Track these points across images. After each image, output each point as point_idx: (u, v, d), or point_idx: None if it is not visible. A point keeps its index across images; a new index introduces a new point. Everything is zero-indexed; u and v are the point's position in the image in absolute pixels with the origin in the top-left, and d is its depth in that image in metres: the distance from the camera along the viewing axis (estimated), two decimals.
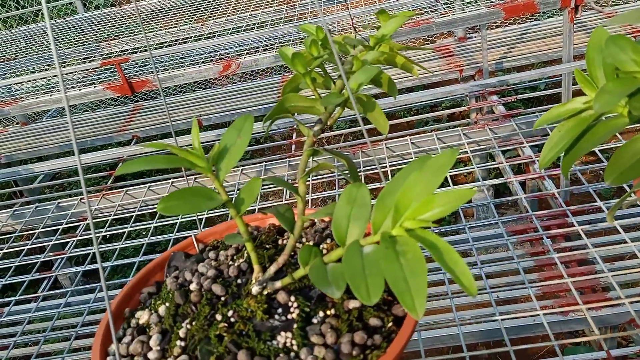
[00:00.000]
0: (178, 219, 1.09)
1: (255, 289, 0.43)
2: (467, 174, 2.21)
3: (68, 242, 1.15)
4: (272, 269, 0.44)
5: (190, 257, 0.51)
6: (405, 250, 0.33)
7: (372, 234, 0.36)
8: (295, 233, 0.44)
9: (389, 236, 0.34)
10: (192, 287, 0.45)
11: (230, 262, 0.48)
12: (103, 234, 1.12)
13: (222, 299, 0.44)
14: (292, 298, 0.42)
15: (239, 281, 0.45)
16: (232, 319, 0.42)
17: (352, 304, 0.41)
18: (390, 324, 0.40)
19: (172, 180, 1.24)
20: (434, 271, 0.87)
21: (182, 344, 0.41)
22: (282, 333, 0.40)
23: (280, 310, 0.42)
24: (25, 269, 1.17)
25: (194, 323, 0.42)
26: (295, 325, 0.40)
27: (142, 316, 0.45)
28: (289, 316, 0.41)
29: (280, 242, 0.50)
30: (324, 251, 0.48)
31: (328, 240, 0.48)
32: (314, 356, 0.38)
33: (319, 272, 0.37)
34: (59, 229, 1.18)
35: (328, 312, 0.41)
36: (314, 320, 0.41)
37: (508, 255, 0.89)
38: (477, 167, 1.02)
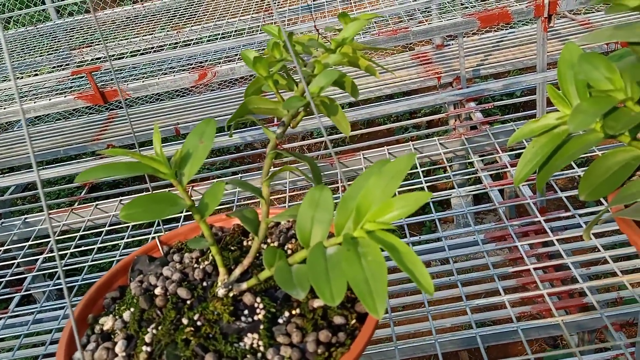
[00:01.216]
0: (152, 231, 1.07)
1: (221, 292, 0.43)
2: (446, 181, 2.23)
3: (38, 257, 1.12)
4: (237, 271, 0.44)
5: (155, 261, 0.51)
6: (367, 252, 0.34)
7: (335, 236, 0.37)
8: (259, 235, 0.44)
9: (350, 238, 0.36)
10: (157, 291, 0.45)
11: (195, 265, 0.48)
12: (72, 250, 1.09)
13: (188, 302, 0.44)
14: (258, 299, 0.43)
15: (204, 284, 0.45)
16: (198, 323, 0.42)
17: (317, 303, 0.42)
18: (353, 321, 0.42)
19: (145, 193, 1.21)
20: (410, 281, 0.87)
21: (148, 349, 0.41)
22: (249, 334, 0.41)
23: (246, 311, 0.42)
24: None
25: (159, 328, 0.42)
26: (261, 326, 0.41)
27: (107, 322, 0.45)
28: (255, 317, 0.42)
29: (245, 243, 0.50)
30: (289, 251, 0.48)
31: (293, 241, 0.49)
32: (281, 356, 0.39)
33: (283, 273, 0.37)
34: (26, 244, 1.15)
35: (293, 312, 0.42)
36: (280, 321, 0.42)
37: (484, 263, 0.90)
38: (453, 176, 1.03)
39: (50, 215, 1.19)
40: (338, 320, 0.41)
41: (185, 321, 0.42)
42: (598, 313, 0.80)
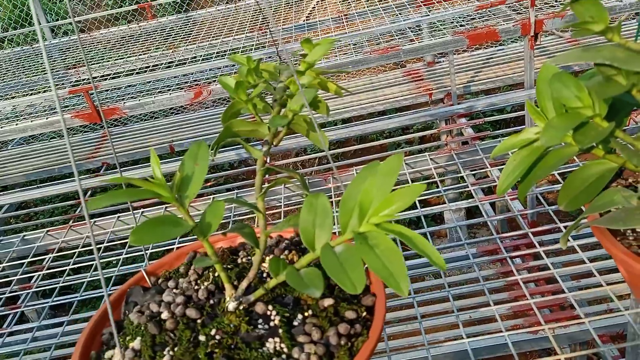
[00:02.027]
0: (149, 247, 1.08)
1: (232, 305, 0.45)
2: (440, 195, 2.24)
3: (34, 275, 1.12)
4: (244, 284, 0.46)
5: (149, 290, 0.51)
6: (377, 243, 0.38)
7: (342, 234, 0.40)
8: (261, 247, 0.47)
9: (358, 233, 0.39)
10: (164, 315, 0.46)
11: (196, 287, 0.49)
12: (71, 267, 1.10)
13: (199, 321, 0.45)
14: (270, 307, 0.45)
15: (211, 302, 0.47)
16: (217, 337, 0.43)
17: (327, 302, 0.45)
18: (364, 314, 0.45)
19: (142, 210, 1.22)
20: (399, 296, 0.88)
21: None
22: (270, 339, 0.43)
23: (261, 320, 0.44)
24: None
25: (176, 349, 0.43)
26: (280, 330, 0.43)
27: (114, 355, 0.45)
28: (272, 324, 0.44)
29: (239, 260, 0.52)
30: (286, 261, 0.50)
31: (286, 252, 0.52)
32: (307, 353, 0.41)
33: (295, 277, 0.41)
34: (24, 262, 1.15)
35: (306, 314, 0.45)
36: (295, 323, 0.44)
37: (475, 276, 0.91)
38: (444, 192, 1.04)
39: (49, 233, 1.20)
40: (350, 315, 0.44)
41: (202, 338, 0.43)
42: (592, 325, 0.81)
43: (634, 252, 0.38)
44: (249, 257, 0.53)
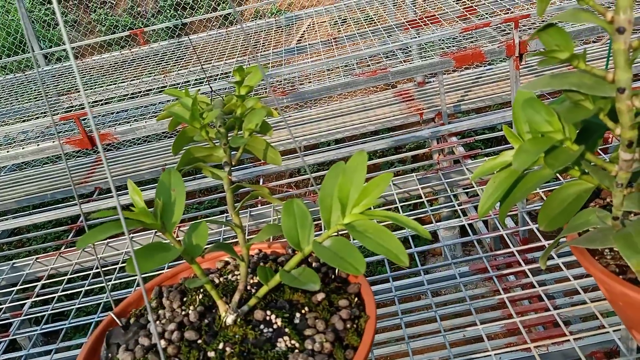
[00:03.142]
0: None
1: (230, 318, 0.47)
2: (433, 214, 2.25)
3: (25, 302, 1.11)
4: (236, 297, 0.48)
5: (130, 329, 0.51)
6: (366, 228, 0.41)
7: (326, 230, 0.43)
8: (245, 260, 0.49)
9: (345, 225, 0.42)
10: (162, 344, 0.46)
11: (183, 312, 0.50)
12: (60, 294, 1.09)
13: (200, 341, 0.46)
14: (268, 312, 0.47)
15: (206, 321, 0.48)
16: (227, 349, 0.45)
17: (320, 296, 0.48)
18: (355, 299, 0.49)
19: (132, 235, 1.22)
20: (391, 316, 0.88)
21: None
22: (280, 339, 0.45)
23: (263, 325, 0.46)
24: None
25: None
26: (286, 330, 0.45)
27: None
28: (274, 326, 0.46)
29: (216, 281, 0.54)
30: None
31: (261, 263, 0.55)
32: (320, 342, 0.43)
33: (289, 277, 0.44)
34: (14, 289, 1.14)
35: (303, 311, 0.47)
36: (296, 321, 0.46)
37: (462, 296, 0.91)
38: (431, 211, 1.05)
39: (38, 260, 1.19)
40: (343, 302, 0.48)
41: (212, 354, 0.44)
42: (580, 342, 0.82)
43: (612, 272, 0.39)
44: (225, 277, 0.54)
